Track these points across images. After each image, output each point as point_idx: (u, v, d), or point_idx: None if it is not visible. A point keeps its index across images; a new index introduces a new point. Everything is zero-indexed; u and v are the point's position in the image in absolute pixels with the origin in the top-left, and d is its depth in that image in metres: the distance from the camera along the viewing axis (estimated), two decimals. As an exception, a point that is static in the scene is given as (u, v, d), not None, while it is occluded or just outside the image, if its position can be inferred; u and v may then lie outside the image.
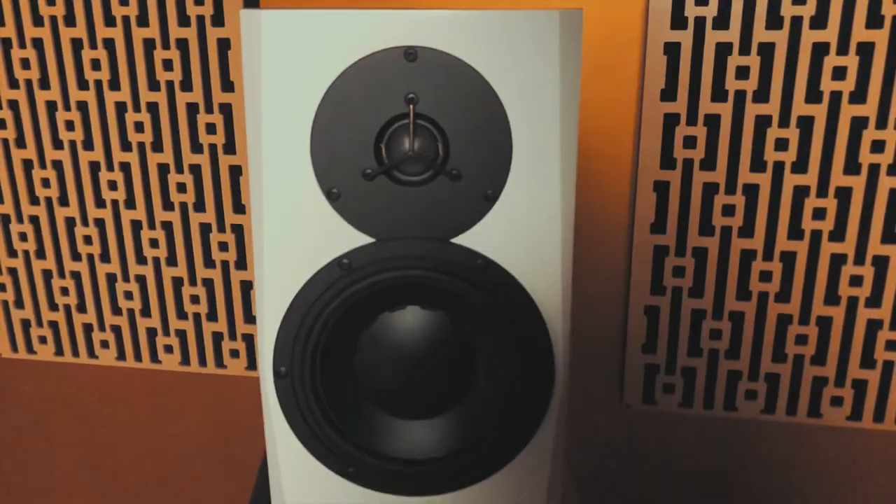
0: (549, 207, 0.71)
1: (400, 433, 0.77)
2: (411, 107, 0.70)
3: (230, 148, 1.34)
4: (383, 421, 0.77)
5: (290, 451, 0.77)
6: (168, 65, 1.32)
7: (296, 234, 0.72)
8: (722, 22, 1.18)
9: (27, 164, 1.41)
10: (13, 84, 1.36)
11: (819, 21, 1.16)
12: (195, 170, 1.37)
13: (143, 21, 1.30)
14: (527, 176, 0.71)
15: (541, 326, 0.73)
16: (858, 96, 1.17)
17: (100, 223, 1.42)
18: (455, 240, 0.73)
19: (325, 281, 0.73)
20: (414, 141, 0.71)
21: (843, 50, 1.16)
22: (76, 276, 1.46)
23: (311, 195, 0.72)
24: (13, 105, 1.38)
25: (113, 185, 1.39)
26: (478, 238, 0.73)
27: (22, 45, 1.34)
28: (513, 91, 0.70)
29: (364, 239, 0.73)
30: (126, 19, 1.31)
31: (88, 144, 1.38)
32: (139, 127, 1.35)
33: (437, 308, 0.75)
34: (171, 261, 1.42)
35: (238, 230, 1.37)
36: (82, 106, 1.36)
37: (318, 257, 0.73)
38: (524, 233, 0.72)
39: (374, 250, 0.73)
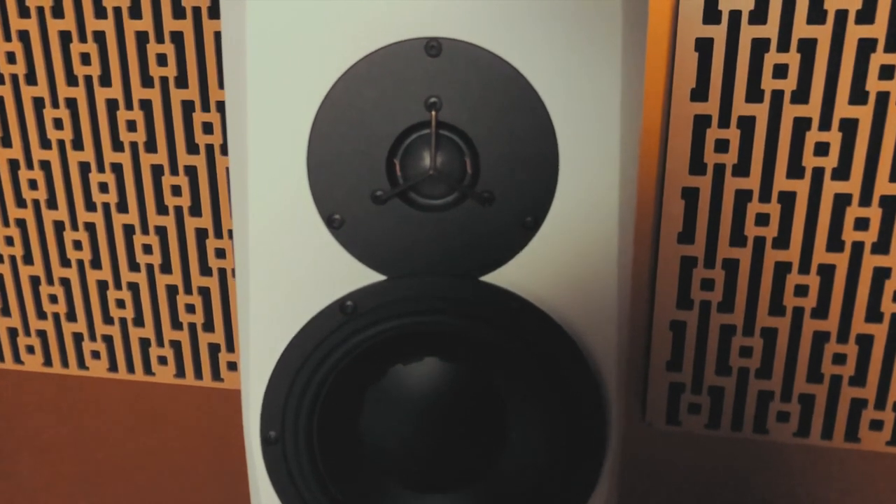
0: (603, 239, 0.54)
1: (415, 509, 0.60)
2: (433, 113, 0.55)
3: (228, 149, 1.18)
4: (394, 495, 0.63)
5: (283, 528, 0.60)
6: (162, 59, 1.20)
7: (289, 270, 0.59)
8: (759, 16, 1.05)
9: (13, 165, 1.30)
10: (-3, 79, 1.25)
11: (866, 15, 1.02)
12: (191, 171, 1.25)
13: (135, 13, 1.19)
14: (576, 200, 0.56)
15: (590, 384, 0.57)
16: (908, 97, 1.04)
17: (90, 227, 1.31)
18: (485, 278, 0.58)
19: (325, 327, 0.58)
20: (436, 156, 0.56)
21: (891, 47, 1.02)
22: (65, 282, 1.35)
23: (307, 222, 0.57)
24: (-2, 101, 1.27)
25: (104, 188, 1.28)
26: (513, 275, 0.58)
27: (7, 38, 1.23)
28: (561, 94, 0.54)
29: (372, 276, 0.59)
30: (118, 11, 1.19)
31: (78, 144, 1.27)
32: (132, 126, 1.24)
33: (461, 360, 0.61)
34: (166, 268, 1.31)
35: (236, 236, 1.21)
36: (71, 103, 1.25)
37: (316, 298, 0.58)
38: (571, 270, 0.55)
39: (385, 290, 0.58)
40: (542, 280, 0.58)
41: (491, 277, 0.58)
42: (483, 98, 0.55)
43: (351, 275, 0.58)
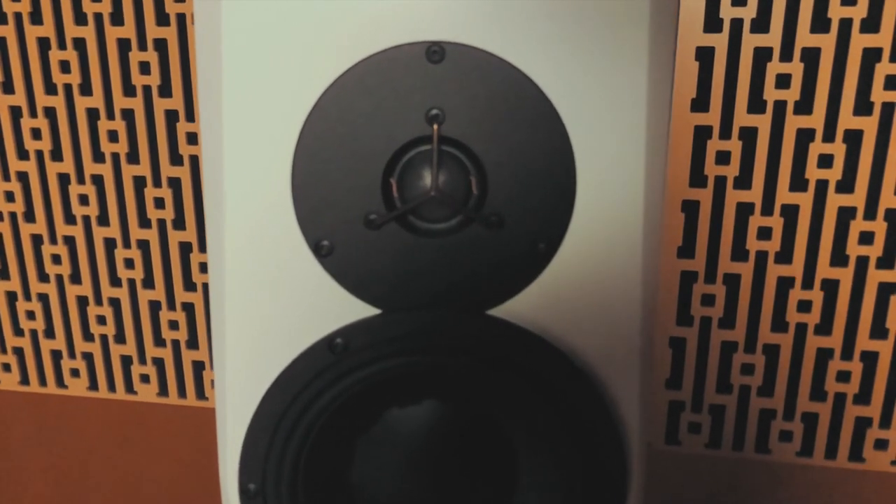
0: (625, 268, 0.48)
1: (413, 567, 0.53)
2: (435, 126, 0.49)
3: (212, 160, 1.11)
4: (391, 552, 0.53)
5: (265, 589, 0.52)
6: (145, 67, 1.15)
7: (271, 303, 0.52)
8: (761, 24, 1.01)
9: (-11, 176, 1.26)
10: (-27, 88, 1.21)
11: (871, 24, 0.99)
12: (174, 183, 1.20)
13: (117, 19, 1.14)
14: (595, 224, 0.51)
15: (609, 429, 0.51)
16: (914, 108, 1.01)
17: (70, 241, 1.25)
18: (492, 311, 0.52)
19: (311, 368, 0.51)
20: (438, 175, 0.50)
21: (897, 56, 0.99)
22: (43, 298, 1.29)
23: (292, 250, 0.51)
24: (-27, 111, 1.22)
25: (84, 200, 1.22)
26: (524, 309, 0.52)
27: (-17, 45, 1.18)
28: (578, 104, 0.48)
29: (365, 310, 0.52)
30: (98, 17, 1.14)
31: (57, 155, 1.21)
32: (113, 136, 1.18)
33: (465, 403, 0.54)
34: (148, 283, 1.26)
35: (221, 250, 1.15)
36: (50, 112, 1.19)
37: (302, 335, 0.52)
38: (589, 302, 0.49)
39: (379, 326, 0.52)
40: (557, 313, 0.51)
41: (499, 311, 0.53)
42: (491, 109, 0.49)
43: (341, 308, 0.52)
